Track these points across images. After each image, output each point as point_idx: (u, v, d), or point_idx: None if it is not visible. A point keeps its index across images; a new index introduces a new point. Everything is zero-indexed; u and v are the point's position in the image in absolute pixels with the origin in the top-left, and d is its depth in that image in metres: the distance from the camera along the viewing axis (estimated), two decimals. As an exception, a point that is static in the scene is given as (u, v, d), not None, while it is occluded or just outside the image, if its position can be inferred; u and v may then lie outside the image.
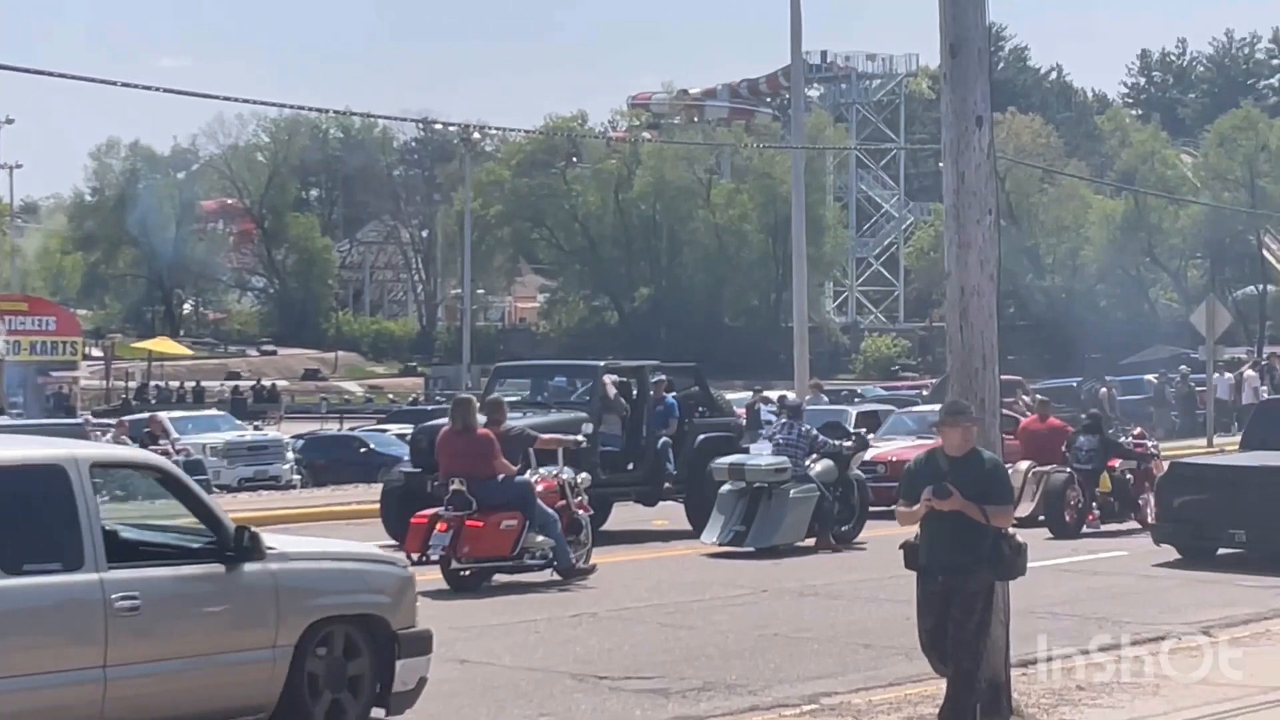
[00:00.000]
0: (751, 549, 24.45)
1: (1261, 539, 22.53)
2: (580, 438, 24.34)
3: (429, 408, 63.22)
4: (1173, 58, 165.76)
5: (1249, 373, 56.68)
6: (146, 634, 11.35)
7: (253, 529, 12.24)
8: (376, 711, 12.71)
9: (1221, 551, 23.20)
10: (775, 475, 24.95)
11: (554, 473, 22.08)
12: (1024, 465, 27.99)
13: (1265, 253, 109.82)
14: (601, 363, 30.10)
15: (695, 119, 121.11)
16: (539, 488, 21.37)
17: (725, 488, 25.23)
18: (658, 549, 25.71)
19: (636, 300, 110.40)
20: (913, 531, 12.36)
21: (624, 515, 28.11)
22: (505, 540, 20.57)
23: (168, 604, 11.55)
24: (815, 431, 26.51)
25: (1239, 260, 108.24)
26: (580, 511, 22.00)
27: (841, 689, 14.40)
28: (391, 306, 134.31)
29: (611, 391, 27.42)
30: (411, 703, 12.79)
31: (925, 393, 52.85)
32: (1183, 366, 59.22)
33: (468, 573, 20.60)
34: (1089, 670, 14.82)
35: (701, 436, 28.33)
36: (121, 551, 11.58)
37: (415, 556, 19.48)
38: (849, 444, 26.98)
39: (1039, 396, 39.87)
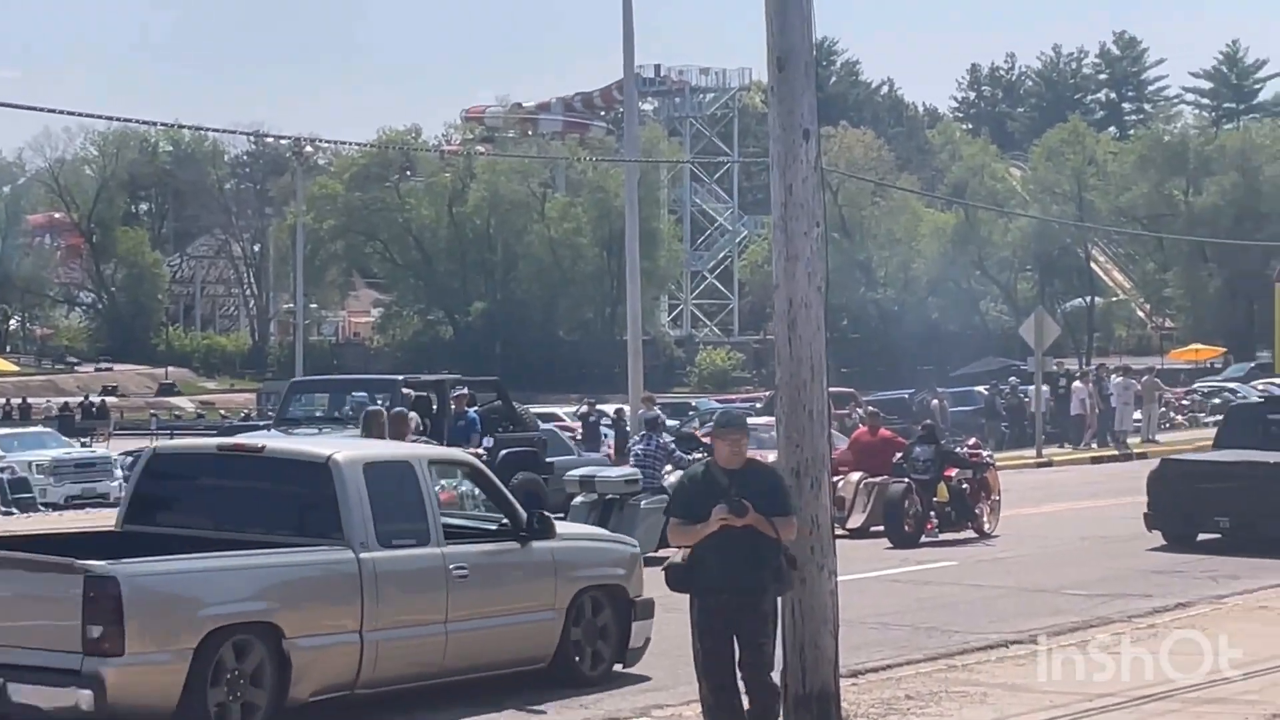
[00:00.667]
0: None
1: (1242, 525, 25.43)
2: (480, 451, 25.18)
3: (261, 423, 62.63)
4: (1002, 72, 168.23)
5: (1077, 384, 57.43)
6: (473, 597, 14.66)
7: (543, 513, 15.87)
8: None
9: (1202, 536, 25.93)
10: (627, 487, 24.97)
11: (454, 485, 22.28)
12: (855, 476, 28.30)
13: (1093, 265, 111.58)
14: (400, 377, 29.61)
15: (529, 132, 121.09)
16: (441, 497, 21.39)
17: (577, 500, 25.17)
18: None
19: (471, 314, 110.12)
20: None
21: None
22: None
23: (486, 573, 14.87)
24: (672, 444, 26.66)
25: (1067, 272, 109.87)
26: None
27: (672, 701, 14.37)
28: (223, 321, 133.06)
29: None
30: (640, 658, 15.96)
31: (760, 405, 53.01)
32: (1012, 378, 59.87)
33: None
34: (918, 679, 14.92)
35: (504, 452, 27.85)
36: (445, 531, 14.80)
37: None
38: (702, 456, 27.00)
39: (870, 408, 40.28)
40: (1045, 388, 55.81)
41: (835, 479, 27.79)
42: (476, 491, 22.19)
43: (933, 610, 19.95)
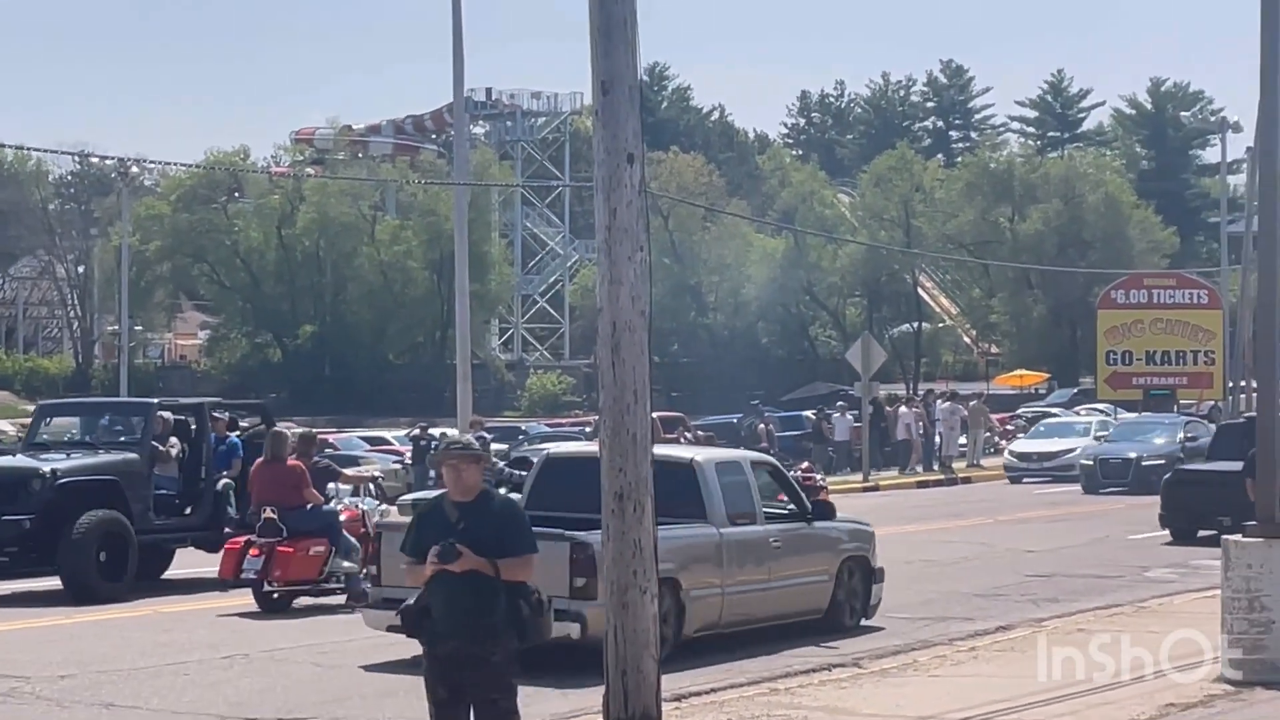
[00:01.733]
0: None
1: (1239, 521, 27.65)
2: (378, 473, 27.51)
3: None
4: (831, 99, 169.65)
5: (904, 409, 57.97)
6: (783, 563, 19.75)
7: (827, 502, 22.84)
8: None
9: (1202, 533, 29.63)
10: None
11: (356, 503, 23.39)
12: None
13: (920, 291, 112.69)
14: (155, 400, 28.31)
15: (360, 155, 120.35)
16: (343, 517, 22.67)
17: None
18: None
19: (300, 337, 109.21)
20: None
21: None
22: (313, 565, 22.08)
23: (790, 545, 19.94)
24: (501, 464, 27.31)
25: (895, 298, 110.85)
26: None
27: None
28: (46, 344, 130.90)
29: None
30: (875, 614, 20.93)
31: (589, 429, 53.07)
32: (840, 403, 60.38)
33: (277, 595, 22.02)
34: (741, 703, 14.96)
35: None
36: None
37: (229, 580, 21.82)
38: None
39: (700, 432, 40.52)
40: (851, 416, 56.51)
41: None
42: (378, 509, 24.23)
43: (758, 633, 20.01)
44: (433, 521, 10.61)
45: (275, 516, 22.03)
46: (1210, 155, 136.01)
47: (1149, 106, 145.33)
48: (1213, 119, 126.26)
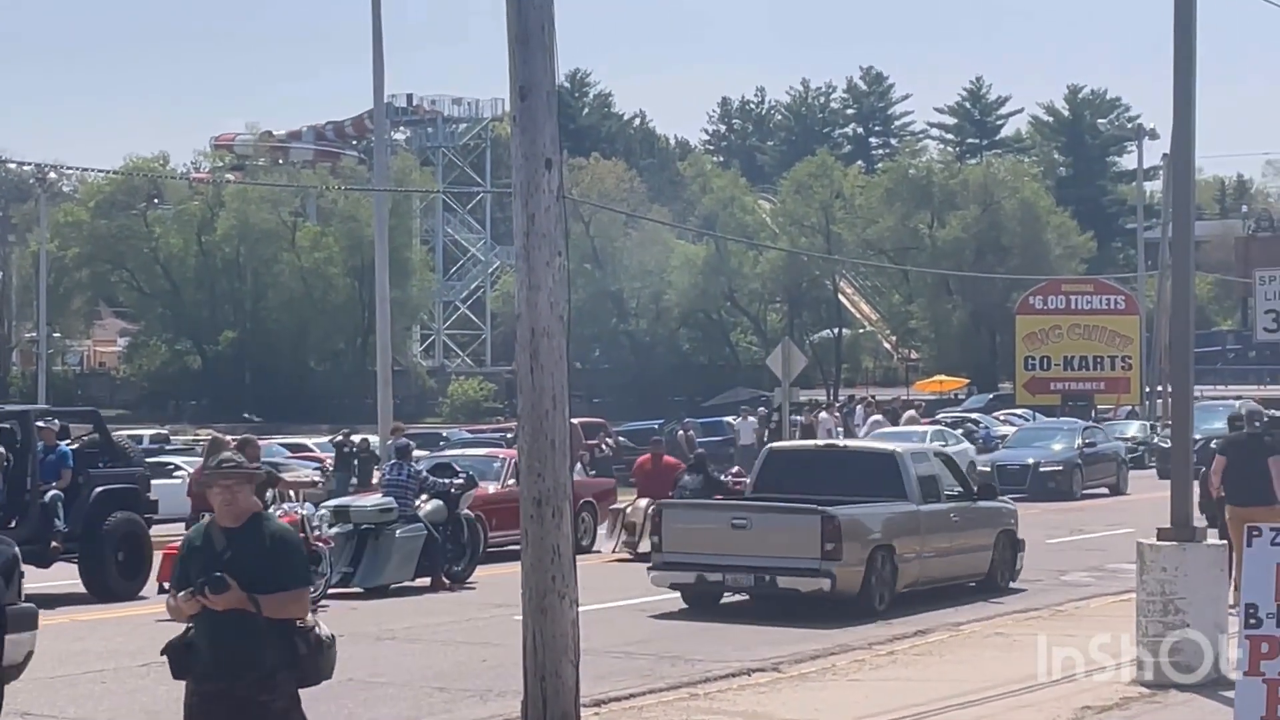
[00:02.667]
0: (360, 589, 24.66)
1: None
2: (319, 479, 28.41)
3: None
4: (752, 106, 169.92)
5: (823, 415, 58.16)
6: (960, 534, 24.21)
7: (986, 484, 28.03)
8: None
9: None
10: (381, 516, 25.21)
11: (295, 509, 23.39)
12: (643, 502, 29.06)
13: (841, 297, 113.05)
14: None
15: (280, 161, 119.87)
16: (282, 522, 21.76)
17: (332, 530, 25.05)
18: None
19: (220, 344, 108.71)
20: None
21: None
22: None
23: (964, 519, 24.38)
24: (424, 472, 26.88)
25: (816, 304, 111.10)
26: (320, 545, 22.90)
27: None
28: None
29: None
30: (1019, 577, 25.39)
31: (511, 435, 52.99)
32: (761, 409, 60.50)
33: None
34: (660, 708, 14.99)
35: (100, 489, 25.68)
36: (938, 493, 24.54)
37: (167, 584, 20.21)
38: (458, 483, 27.13)
39: (654, 438, 40.70)
40: (754, 420, 56.47)
41: (624, 505, 29.78)
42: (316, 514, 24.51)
43: (677, 639, 20.07)
44: (199, 550, 9.44)
45: None
46: (1127, 162, 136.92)
47: (1066, 114, 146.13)
48: (1129, 126, 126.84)
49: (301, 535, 22.36)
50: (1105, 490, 47.57)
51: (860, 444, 32.09)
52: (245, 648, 9.17)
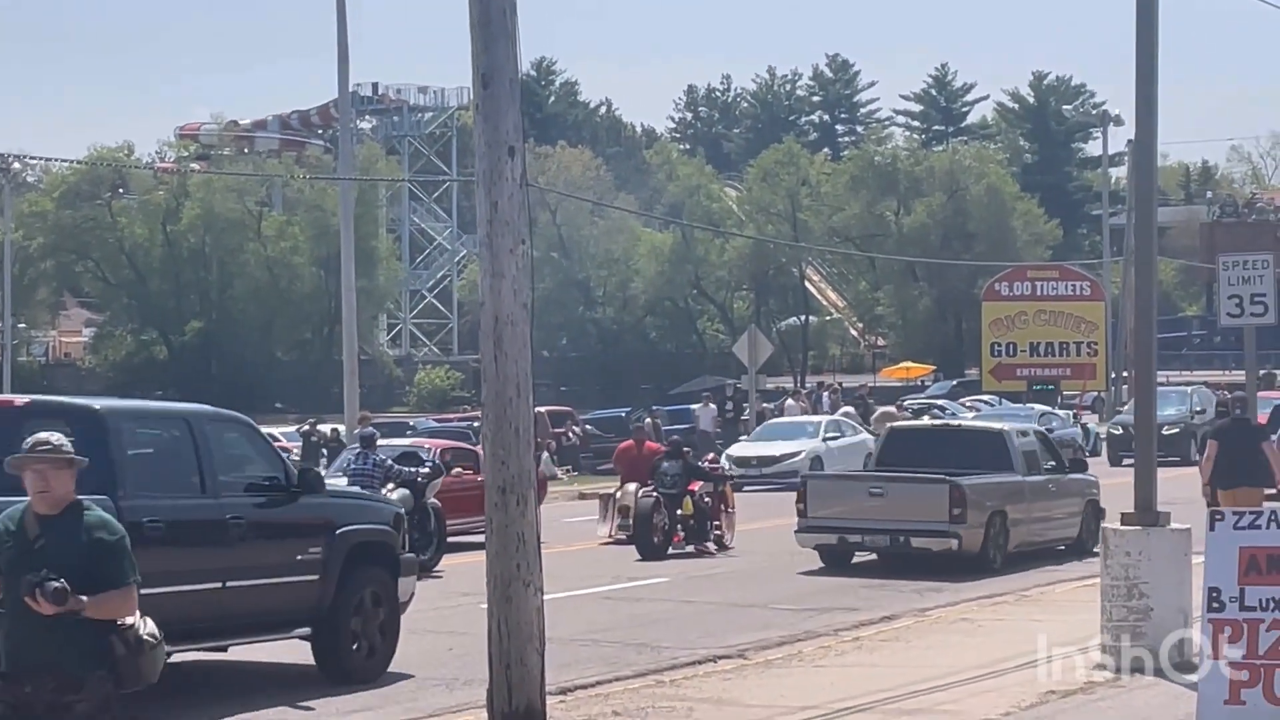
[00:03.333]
0: None
1: None
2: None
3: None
4: (718, 94, 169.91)
5: (790, 403, 58.28)
6: (1056, 502, 27.58)
7: (1079, 459, 31.95)
8: None
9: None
10: None
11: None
12: (632, 487, 29.42)
13: (807, 284, 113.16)
14: None
15: (245, 150, 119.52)
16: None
17: None
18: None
19: (187, 334, 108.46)
20: None
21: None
22: None
23: (1059, 488, 27.75)
24: (390, 461, 27.02)
25: (782, 291, 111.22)
26: None
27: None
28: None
29: None
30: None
31: (478, 424, 52.97)
32: (705, 393, 60.71)
33: None
34: (626, 695, 14.98)
35: None
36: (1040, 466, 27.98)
37: None
38: (424, 471, 27.21)
39: (635, 424, 40.83)
40: (714, 407, 56.58)
41: (614, 491, 30.44)
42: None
43: (644, 626, 20.08)
44: (12, 540, 8.58)
45: None
46: (1093, 148, 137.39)
47: (1031, 100, 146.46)
48: (1094, 112, 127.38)
49: None
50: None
51: (971, 423, 38.31)
52: (52, 644, 8.38)
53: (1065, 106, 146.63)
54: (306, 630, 16.15)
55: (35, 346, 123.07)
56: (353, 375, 44.15)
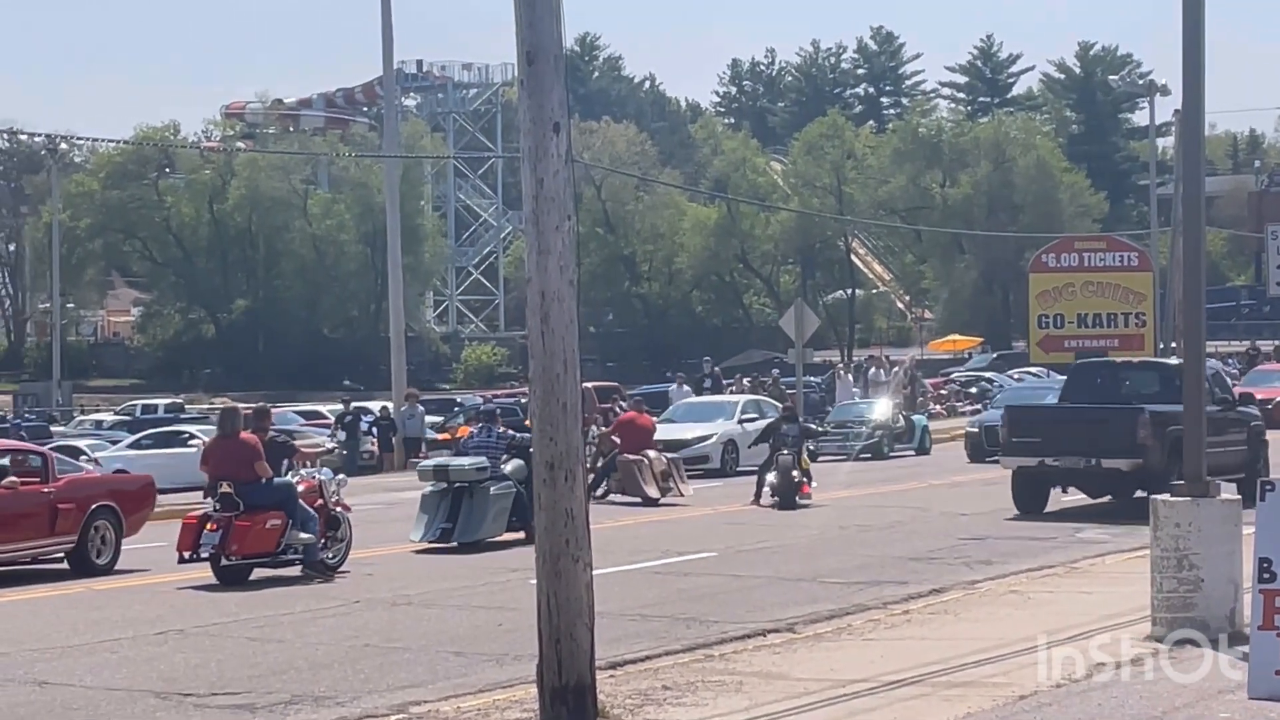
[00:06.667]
0: (456, 544, 25.81)
1: None
2: (332, 445, 28.86)
3: (19, 422, 61.54)
4: (762, 68, 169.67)
5: (850, 375, 58.20)
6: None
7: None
8: None
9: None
10: (477, 474, 26.40)
11: (313, 474, 23.86)
12: (652, 454, 33.65)
13: (853, 257, 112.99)
14: None
15: (291, 128, 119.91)
16: (300, 488, 22.92)
17: (427, 489, 26.55)
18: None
19: (234, 312, 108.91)
20: None
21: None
22: (270, 538, 22.25)
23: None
24: (512, 432, 27.98)
25: (828, 265, 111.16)
26: (339, 509, 23.55)
27: (431, 697, 14.33)
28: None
29: None
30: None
31: (525, 400, 53.04)
32: (774, 370, 60.53)
33: (233, 566, 22.25)
34: (675, 670, 14.99)
35: None
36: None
37: (187, 554, 21.96)
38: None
39: (636, 398, 41.11)
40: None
41: (641, 460, 33.70)
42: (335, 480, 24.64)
43: (692, 601, 20.08)
44: None
45: (231, 491, 22.20)
46: (1139, 118, 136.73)
47: (1078, 71, 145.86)
48: (1141, 82, 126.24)
49: (320, 501, 22.74)
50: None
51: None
52: None
53: (1111, 76, 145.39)
54: None
55: (84, 326, 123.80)
56: (400, 352, 44.29)
